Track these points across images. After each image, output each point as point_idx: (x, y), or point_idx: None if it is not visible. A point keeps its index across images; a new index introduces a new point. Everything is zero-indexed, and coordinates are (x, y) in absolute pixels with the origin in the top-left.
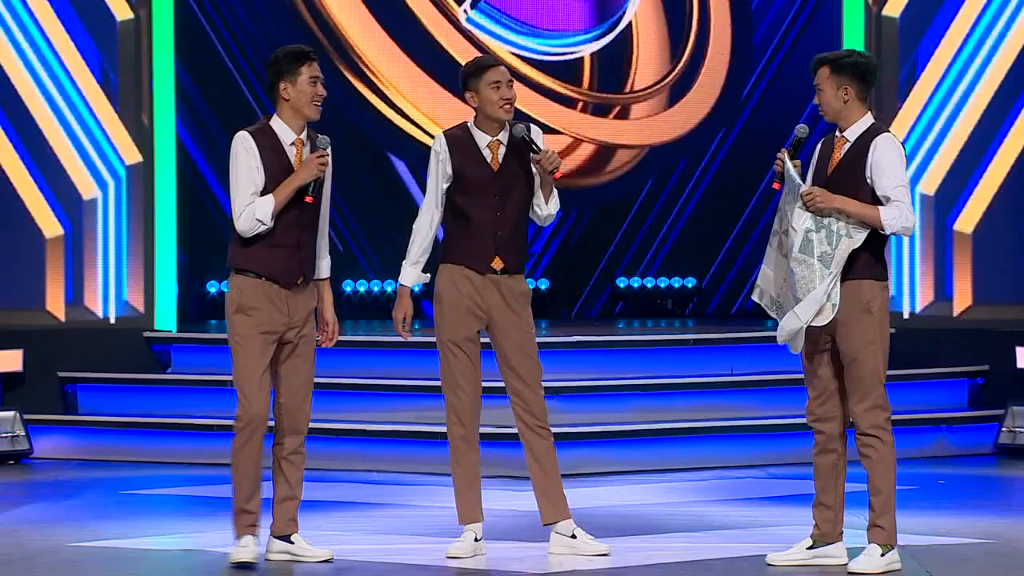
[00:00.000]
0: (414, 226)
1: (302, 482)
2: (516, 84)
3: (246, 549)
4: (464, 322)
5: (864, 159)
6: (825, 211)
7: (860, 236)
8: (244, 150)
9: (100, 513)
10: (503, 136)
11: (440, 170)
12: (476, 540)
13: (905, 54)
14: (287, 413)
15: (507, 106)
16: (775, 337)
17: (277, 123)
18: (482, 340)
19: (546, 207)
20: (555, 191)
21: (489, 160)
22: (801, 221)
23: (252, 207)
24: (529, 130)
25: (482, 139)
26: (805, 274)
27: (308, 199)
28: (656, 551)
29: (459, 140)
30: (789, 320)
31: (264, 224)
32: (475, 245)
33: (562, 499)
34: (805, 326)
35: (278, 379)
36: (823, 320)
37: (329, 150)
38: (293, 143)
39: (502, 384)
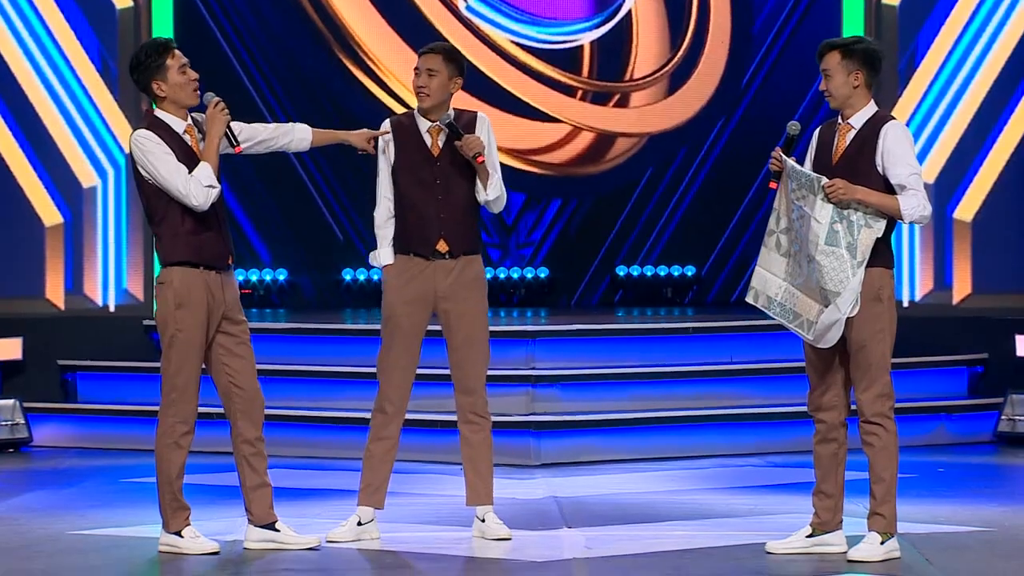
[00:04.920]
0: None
1: (268, 470)
2: (517, 72)
3: (200, 539)
4: (410, 308)
5: (873, 146)
6: (846, 202)
7: (880, 225)
8: (153, 143)
9: (100, 501)
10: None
11: (384, 154)
12: (359, 524)
13: (905, 42)
14: (243, 401)
15: (419, 95)
16: (775, 326)
17: (163, 115)
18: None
19: (483, 193)
20: (496, 178)
21: (429, 145)
22: (824, 213)
23: (194, 179)
24: (475, 119)
25: (424, 125)
26: (835, 265)
27: (237, 149)
28: (656, 539)
29: (403, 125)
30: (829, 314)
31: (215, 188)
32: (420, 230)
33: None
34: (844, 317)
35: (226, 370)
36: (855, 311)
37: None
38: (185, 131)
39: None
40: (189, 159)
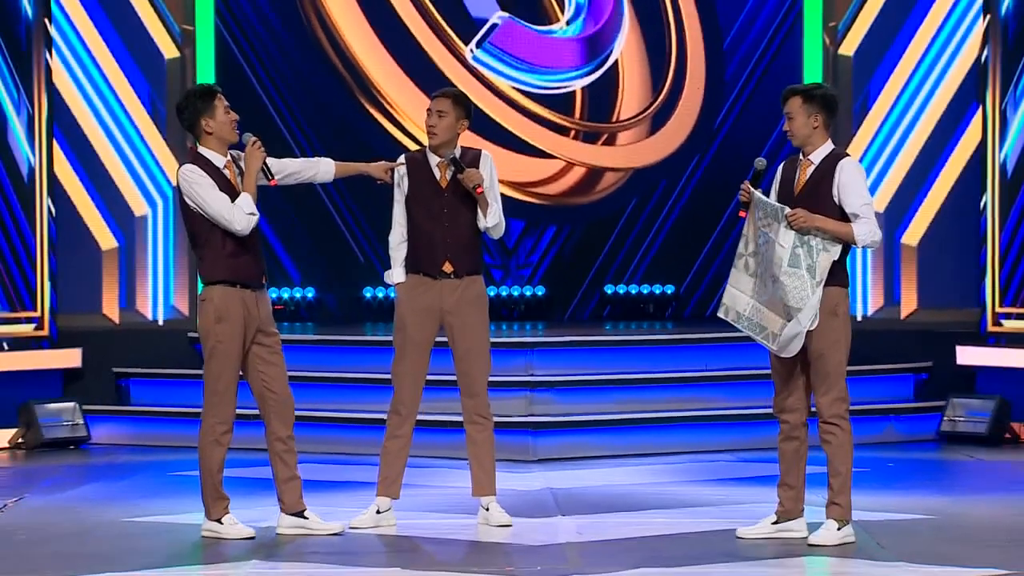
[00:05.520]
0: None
1: (297, 464)
2: (517, 114)
3: (238, 525)
4: (419, 320)
5: (830, 180)
6: (806, 228)
7: (836, 249)
8: (199, 175)
9: (150, 492)
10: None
11: (399, 186)
12: (378, 513)
13: (858, 88)
14: (277, 404)
15: (430, 133)
16: (745, 338)
17: (206, 152)
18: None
19: (483, 220)
20: (495, 208)
21: (438, 178)
22: (787, 238)
23: (237, 207)
24: (479, 156)
25: (434, 160)
26: (796, 284)
27: (272, 182)
28: (638, 526)
29: (415, 161)
30: (791, 327)
31: (255, 215)
32: (429, 252)
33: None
34: (805, 330)
35: (261, 376)
36: (815, 325)
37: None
38: (225, 166)
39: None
40: (228, 191)
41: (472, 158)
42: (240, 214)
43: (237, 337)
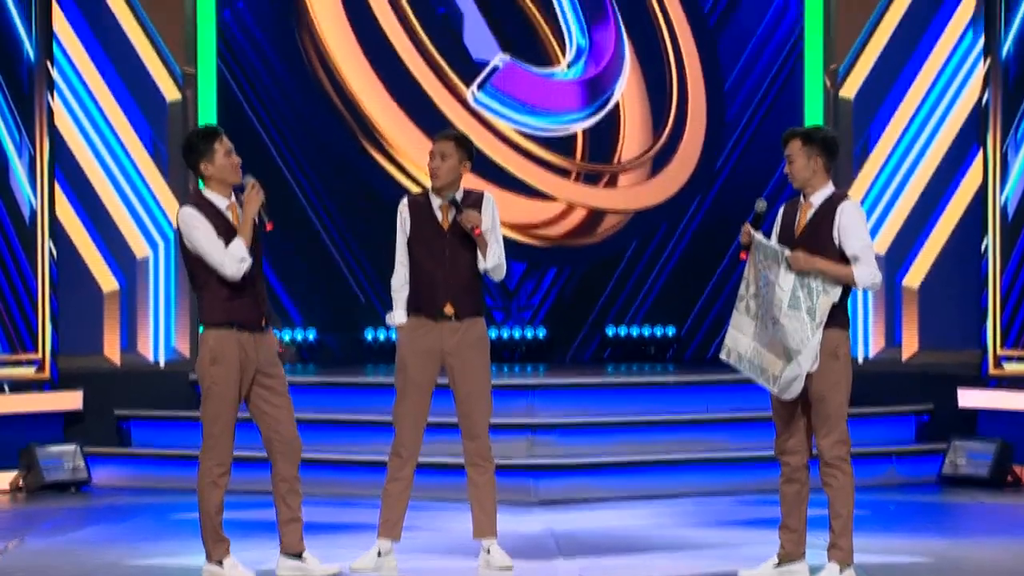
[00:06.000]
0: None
1: (301, 506)
2: (518, 156)
3: (239, 568)
4: (420, 362)
5: (831, 223)
6: (806, 271)
7: (836, 292)
8: (197, 219)
9: (151, 535)
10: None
11: (401, 227)
12: (379, 555)
13: (859, 130)
14: (282, 445)
15: (432, 175)
16: (746, 380)
17: (209, 194)
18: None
19: (483, 262)
20: (496, 250)
21: (440, 220)
22: (787, 280)
23: (229, 253)
24: (481, 198)
25: (436, 202)
26: (797, 327)
27: (269, 226)
28: (641, 568)
29: (417, 203)
30: (791, 369)
31: (247, 260)
32: (430, 294)
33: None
34: (805, 372)
35: (266, 418)
36: (815, 367)
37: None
38: (228, 207)
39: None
40: (229, 233)
41: (475, 200)
42: (232, 260)
43: (232, 380)
